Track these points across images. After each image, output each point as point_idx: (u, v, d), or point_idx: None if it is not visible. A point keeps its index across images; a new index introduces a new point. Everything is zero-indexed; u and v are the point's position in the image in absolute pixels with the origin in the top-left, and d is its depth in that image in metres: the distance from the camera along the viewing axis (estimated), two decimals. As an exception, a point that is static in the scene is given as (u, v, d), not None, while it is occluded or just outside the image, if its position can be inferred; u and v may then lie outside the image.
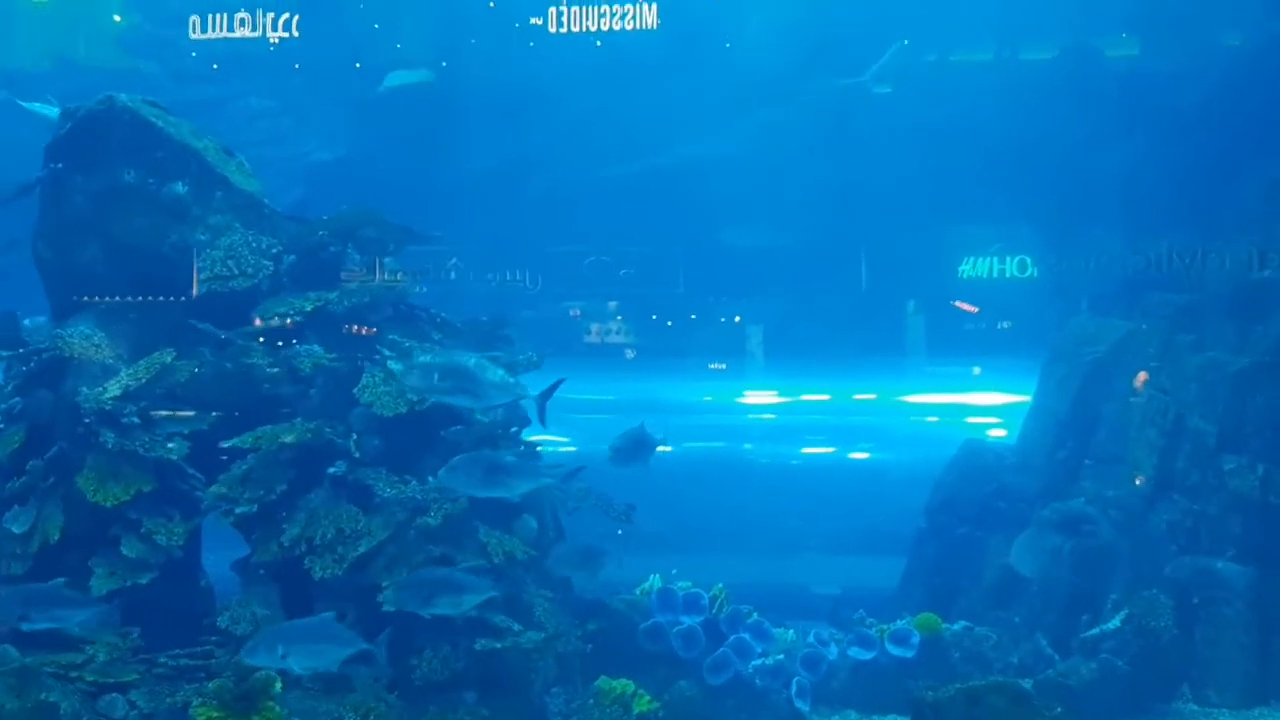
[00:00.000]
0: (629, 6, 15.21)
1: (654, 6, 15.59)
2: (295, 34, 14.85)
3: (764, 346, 15.87)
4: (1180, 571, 9.38)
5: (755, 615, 8.62)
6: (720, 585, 8.63)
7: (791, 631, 8.81)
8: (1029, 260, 14.37)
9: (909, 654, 8.74)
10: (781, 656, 8.30)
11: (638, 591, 8.63)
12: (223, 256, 8.07)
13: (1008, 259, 14.33)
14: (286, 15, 14.99)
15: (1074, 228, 13.28)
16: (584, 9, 15.02)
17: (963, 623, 9.29)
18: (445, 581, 6.85)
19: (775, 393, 16.55)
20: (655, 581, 8.67)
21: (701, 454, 15.53)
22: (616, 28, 15.24)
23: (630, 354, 16.39)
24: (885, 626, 8.92)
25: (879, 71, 13.76)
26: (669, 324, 16.51)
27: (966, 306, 14.60)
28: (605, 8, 14.97)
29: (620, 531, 8.09)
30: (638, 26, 15.38)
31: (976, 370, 14.67)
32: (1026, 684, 7.88)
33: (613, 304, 16.57)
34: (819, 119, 14.40)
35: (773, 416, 16.72)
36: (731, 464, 15.48)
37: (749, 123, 14.60)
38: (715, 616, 8.41)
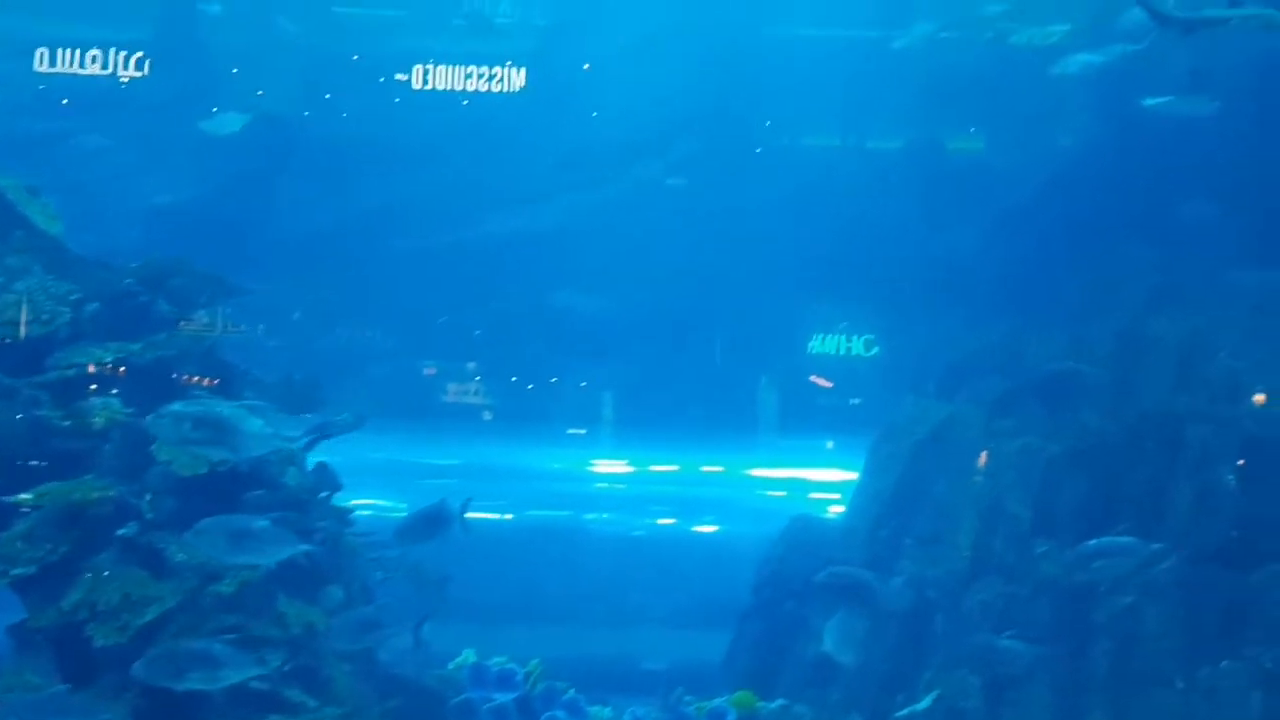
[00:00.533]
0: (497, 69, 15.35)
1: (522, 70, 15.76)
2: (145, 72, 14.52)
3: (616, 414, 15.94)
4: (976, 650, 9.64)
5: (571, 692, 8.49)
6: (536, 661, 8.49)
7: (609, 709, 8.69)
8: (873, 340, 14.85)
9: (725, 732, 8.72)
10: (589, 735, 8.18)
11: (451, 665, 8.43)
12: (16, 301, 7.73)
13: (854, 338, 14.78)
14: (139, 54, 14.65)
15: (912, 310, 13.79)
16: (450, 69, 15.09)
17: (781, 701, 9.34)
18: (201, 654, 6.55)
19: (626, 462, 16.60)
20: (469, 655, 8.48)
21: (544, 522, 15.42)
22: (483, 89, 15.35)
23: (487, 415, 16.24)
24: (704, 704, 8.89)
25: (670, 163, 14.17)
26: (528, 387, 16.46)
27: (822, 381, 14.95)
28: (472, 68, 15.08)
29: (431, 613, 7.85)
30: (505, 89, 15.51)
31: (830, 444, 14.98)
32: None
33: (470, 365, 16.44)
34: (674, 190, 14.70)
35: (623, 486, 16.76)
36: (574, 533, 15.39)
37: (612, 188, 14.80)
38: (529, 693, 8.26)
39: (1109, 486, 10.39)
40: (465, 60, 14.80)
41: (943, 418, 11.00)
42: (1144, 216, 12.21)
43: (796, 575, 10.63)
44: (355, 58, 15.18)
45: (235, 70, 15.08)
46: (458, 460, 16.07)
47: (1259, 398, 10.57)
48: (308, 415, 7.60)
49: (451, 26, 15.19)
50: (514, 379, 16.26)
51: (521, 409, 15.96)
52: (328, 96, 14.78)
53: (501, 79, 15.05)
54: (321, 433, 7.67)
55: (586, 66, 14.89)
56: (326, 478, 7.78)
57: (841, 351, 14.73)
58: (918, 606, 10.12)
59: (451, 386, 16.37)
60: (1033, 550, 10.09)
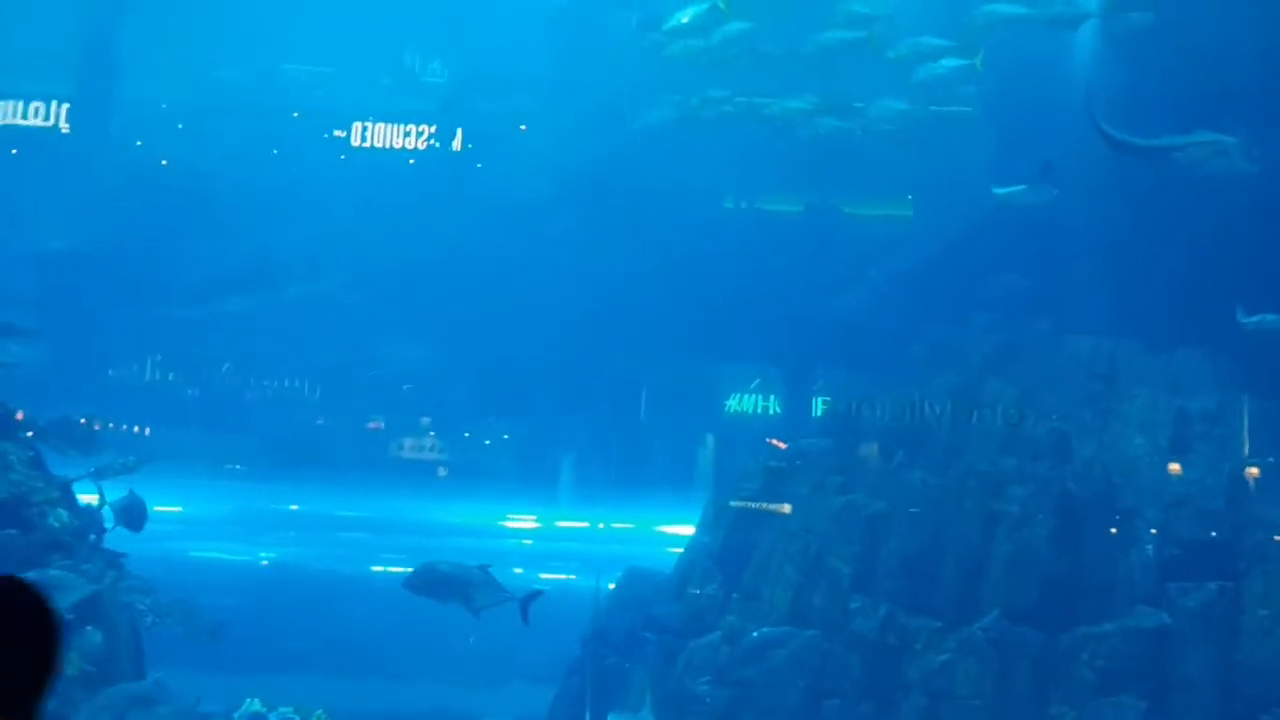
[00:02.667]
0: (424, 126, 15.68)
1: (434, 126, 16.06)
2: (63, 127, 14.74)
3: (527, 470, 15.96)
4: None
5: (356, 744, 8.48)
6: (321, 710, 8.48)
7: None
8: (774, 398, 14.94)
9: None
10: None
11: (235, 716, 8.41)
12: None
13: (769, 396, 14.87)
14: (57, 104, 14.85)
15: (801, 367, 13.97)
16: (379, 126, 15.41)
17: (586, 756, 9.35)
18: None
19: (534, 518, 16.61)
20: (253, 704, 8.47)
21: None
22: (409, 145, 15.68)
23: (411, 456, 16.26)
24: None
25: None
26: (446, 442, 16.52)
27: (777, 443, 14.93)
28: (411, 126, 15.42)
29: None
30: (421, 146, 15.85)
31: None
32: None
33: (384, 419, 16.47)
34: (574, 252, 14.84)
35: (530, 541, 16.75)
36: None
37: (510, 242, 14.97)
38: (307, 744, 8.25)
39: (931, 544, 10.53)
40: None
41: (772, 475, 11.13)
42: (987, 285, 12.49)
43: (621, 629, 10.68)
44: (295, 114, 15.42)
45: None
46: (365, 513, 16.13)
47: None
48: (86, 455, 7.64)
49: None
50: (431, 434, 16.36)
51: (441, 462, 16.07)
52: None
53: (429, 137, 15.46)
54: (99, 474, 7.70)
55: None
56: (93, 521, 7.78)
57: (759, 410, 14.83)
58: (733, 659, 10.18)
59: (373, 436, 16.46)
60: (848, 606, 10.20)
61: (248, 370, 16.45)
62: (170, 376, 16.64)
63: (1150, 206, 11.77)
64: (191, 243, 14.65)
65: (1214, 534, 10.12)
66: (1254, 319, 10.56)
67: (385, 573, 15.99)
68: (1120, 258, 11.85)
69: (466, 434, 16.88)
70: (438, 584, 8.10)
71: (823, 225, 14.85)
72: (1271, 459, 10.72)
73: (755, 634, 10.01)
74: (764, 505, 10.82)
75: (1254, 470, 10.45)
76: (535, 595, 8.59)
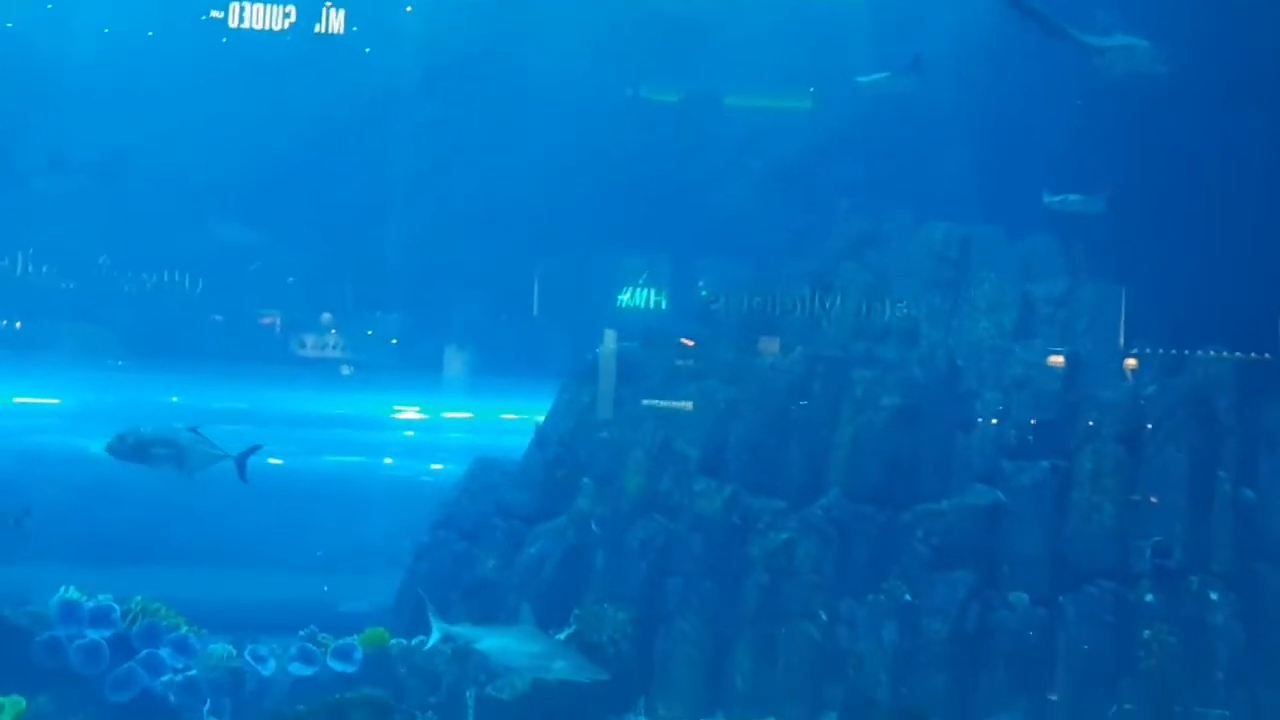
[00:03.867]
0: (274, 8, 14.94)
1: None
2: None
3: (412, 362, 15.78)
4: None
5: (184, 629, 8.41)
6: (140, 598, 8.37)
7: (230, 647, 8.63)
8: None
9: (351, 669, 8.75)
10: (194, 672, 8.11)
11: (51, 603, 8.27)
12: None
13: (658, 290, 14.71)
14: None
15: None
16: (258, 7, 14.68)
17: (420, 637, 9.37)
18: None
19: (418, 409, 16.49)
20: (70, 592, 8.32)
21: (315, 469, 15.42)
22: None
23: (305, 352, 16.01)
24: (332, 641, 8.89)
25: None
26: (331, 334, 16.21)
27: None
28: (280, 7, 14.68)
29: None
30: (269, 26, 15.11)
31: None
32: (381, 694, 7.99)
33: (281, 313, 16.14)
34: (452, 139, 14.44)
35: (411, 433, 16.66)
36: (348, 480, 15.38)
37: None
38: (128, 631, 8.15)
39: (778, 428, 10.64)
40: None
41: (627, 361, 11.10)
42: (853, 173, 12.43)
43: (470, 516, 10.69)
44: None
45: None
46: (245, 405, 15.88)
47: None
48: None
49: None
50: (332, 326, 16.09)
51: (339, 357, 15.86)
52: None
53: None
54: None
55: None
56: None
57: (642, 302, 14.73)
58: (580, 543, 10.27)
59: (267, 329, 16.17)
60: (694, 488, 10.31)
61: (127, 262, 15.93)
62: (45, 269, 16.07)
63: (1016, 99, 11.77)
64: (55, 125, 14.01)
65: (1049, 415, 10.36)
66: (1057, 198, 10.72)
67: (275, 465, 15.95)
68: (983, 147, 11.87)
69: (351, 325, 16.64)
70: (143, 447, 7.87)
71: (701, 115, 14.63)
72: (1111, 342, 10.95)
73: (593, 522, 10.10)
74: (618, 390, 10.82)
75: (1090, 352, 10.66)
76: (252, 451, 8.45)
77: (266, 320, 16.21)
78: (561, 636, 9.15)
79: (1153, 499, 10.09)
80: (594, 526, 10.23)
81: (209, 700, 8.12)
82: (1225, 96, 11.17)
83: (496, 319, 15.40)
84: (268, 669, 8.60)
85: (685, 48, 13.75)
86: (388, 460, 15.58)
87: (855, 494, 10.28)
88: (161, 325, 15.64)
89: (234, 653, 8.57)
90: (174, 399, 16.21)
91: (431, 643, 8.72)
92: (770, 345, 11.14)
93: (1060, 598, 9.85)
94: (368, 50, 15.26)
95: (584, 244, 14.84)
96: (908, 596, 9.94)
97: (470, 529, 10.65)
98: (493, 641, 8.67)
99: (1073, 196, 10.60)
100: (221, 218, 14.03)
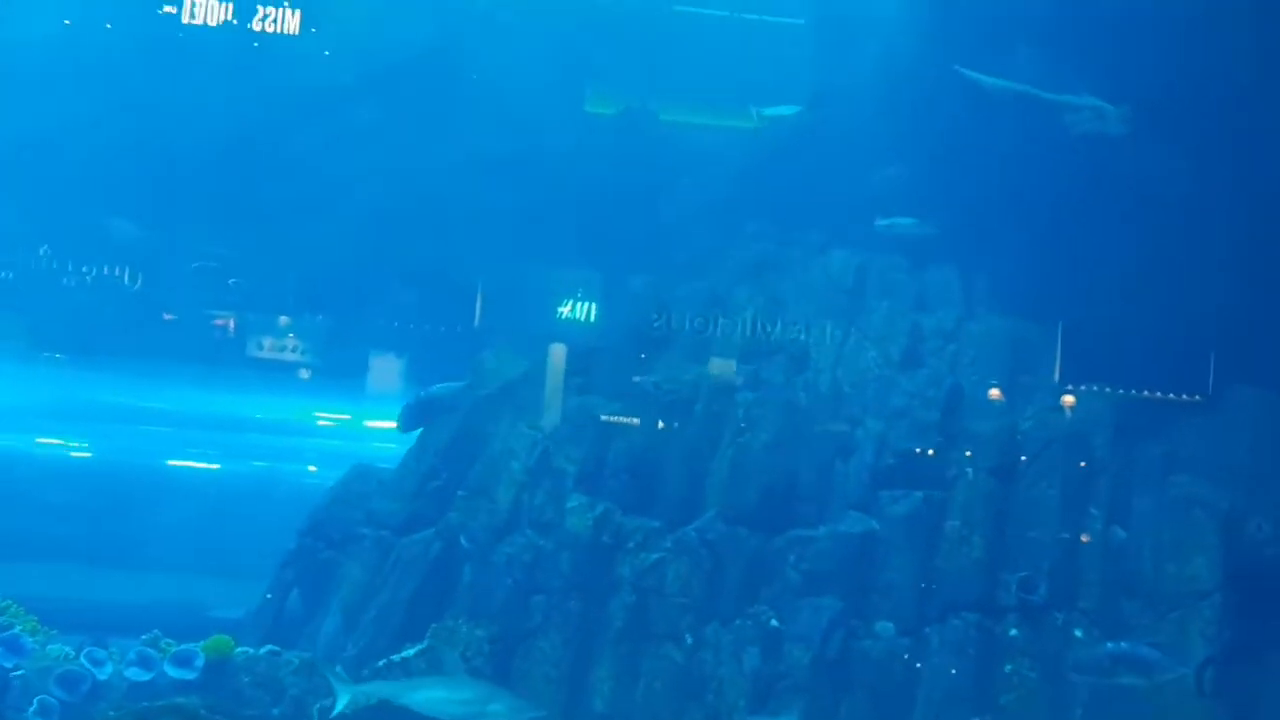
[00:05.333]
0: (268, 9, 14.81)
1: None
2: None
3: (336, 367, 15.62)
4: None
5: (17, 628, 8.21)
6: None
7: (68, 648, 8.44)
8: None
9: (190, 676, 8.57)
10: (23, 672, 7.91)
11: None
12: None
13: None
14: None
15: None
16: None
17: (269, 647, 9.20)
18: None
19: (345, 415, 16.34)
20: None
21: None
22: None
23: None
24: (174, 646, 8.71)
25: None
26: (261, 337, 16.04)
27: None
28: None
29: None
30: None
31: None
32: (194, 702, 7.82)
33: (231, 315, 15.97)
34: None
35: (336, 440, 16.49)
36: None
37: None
38: (-46, 628, 7.96)
39: (658, 447, 10.56)
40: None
41: (511, 375, 11.00)
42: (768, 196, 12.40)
43: (338, 524, 10.53)
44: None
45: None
46: (171, 406, 15.70)
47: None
48: None
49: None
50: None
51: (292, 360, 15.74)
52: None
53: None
54: None
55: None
56: None
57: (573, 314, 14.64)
58: (448, 556, 10.13)
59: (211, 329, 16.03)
60: (567, 505, 10.19)
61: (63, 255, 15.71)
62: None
63: (934, 128, 11.79)
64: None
65: (927, 445, 10.33)
66: (887, 221, 10.77)
67: (183, 468, 15.74)
68: (892, 176, 11.87)
69: (279, 329, 16.49)
70: None
71: (639, 130, 14.58)
72: (996, 375, 10.94)
73: (462, 535, 9.97)
74: (500, 404, 10.70)
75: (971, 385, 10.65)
76: None
77: (219, 321, 16.05)
78: (411, 653, 9.00)
79: (1024, 533, 10.10)
80: (463, 540, 10.12)
81: (36, 701, 7.91)
82: (1132, 137, 11.27)
83: (419, 323, 15.31)
84: (104, 672, 8.40)
85: (627, 61, 13.78)
86: (311, 469, 15.39)
87: (731, 516, 10.19)
88: (86, 320, 15.48)
89: (71, 654, 8.38)
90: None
91: (339, 708, 8.48)
92: (658, 363, 11.11)
93: (926, 628, 9.81)
94: (324, 52, 15.18)
95: (501, 251, 14.76)
96: (774, 622, 9.85)
97: (338, 538, 10.50)
98: (421, 695, 8.46)
99: (902, 220, 10.64)
100: (121, 215, 13.85)
